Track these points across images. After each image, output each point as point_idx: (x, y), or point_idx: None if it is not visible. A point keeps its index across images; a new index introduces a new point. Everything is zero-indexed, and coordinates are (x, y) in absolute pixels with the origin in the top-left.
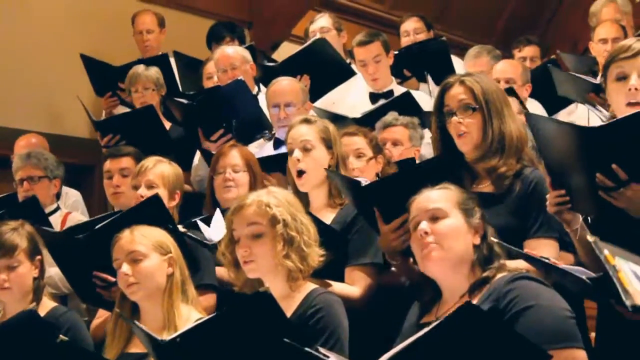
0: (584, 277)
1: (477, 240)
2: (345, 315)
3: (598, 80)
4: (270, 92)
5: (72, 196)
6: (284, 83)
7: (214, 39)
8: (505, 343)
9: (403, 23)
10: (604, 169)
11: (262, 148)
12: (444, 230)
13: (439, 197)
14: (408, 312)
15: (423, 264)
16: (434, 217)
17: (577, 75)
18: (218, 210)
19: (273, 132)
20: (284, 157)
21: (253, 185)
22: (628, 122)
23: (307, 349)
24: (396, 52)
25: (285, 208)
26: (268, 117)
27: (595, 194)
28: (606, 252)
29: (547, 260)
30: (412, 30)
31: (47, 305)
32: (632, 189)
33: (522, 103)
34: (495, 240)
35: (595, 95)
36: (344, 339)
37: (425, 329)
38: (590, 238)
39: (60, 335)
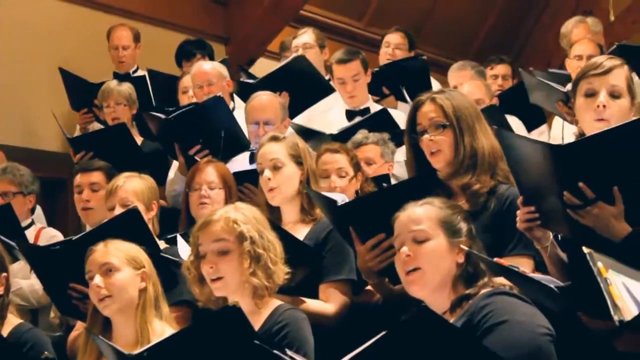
0: (552, 285)
1: (461, 259)
2: (310, 331)
3: (567, 88)
4: (250, 108)
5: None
6: (264, 99)
7: (184, 56)
8: (463, 352)
9: (388, 34)
10: (572, 186)
11: (236, 161)
12: (427, 254)
13: (423, 216)
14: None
15: (407, 287)
16: (417, 240)
17: (547, 82)
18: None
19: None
20: (248, 173)
21: (228, 202)
22: (594, 140)
23: (276, 351)
24: (376, 69)
25: (253, 225)
26: (246, 133)
27: (564, 211)
28: (600, 264)
29: (515, 269)
30: (394, 43)
31: (11, 322)
32: (599, 208)
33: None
34: (466, 248)
35: (564, 104)
36: (310, 355)
37: (381, 333)
38: (585, 250)
39: (45, 352)
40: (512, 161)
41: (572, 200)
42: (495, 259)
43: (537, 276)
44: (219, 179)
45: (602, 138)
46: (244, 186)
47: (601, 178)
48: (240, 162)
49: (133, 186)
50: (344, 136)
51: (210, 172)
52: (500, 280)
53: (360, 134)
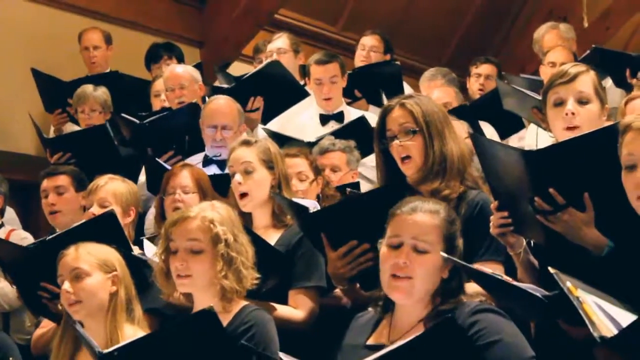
0: (538, 294)
1: (446, 274)
2: (276, 332)
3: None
4: (208, 112)
5: (7, 212)
6: (222, 103)
7: (152, 59)
8: None
9: (364, 37)
10: (543, 192)
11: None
12: (423, 267)
13: (430, 227)
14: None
15: (389, 290)
16: (418, 249)
17: (521, 90)
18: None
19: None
20: (221, 178)
21: None
22: (565, 146)
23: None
24: (350, 72)
25: (229, 227)
26: None
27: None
28: (569, 284)
29: (500, 277)
30: (369, 46)
31: None
32: (569, 214)
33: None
34: (445, 255)
35: (538, 111)
36: (276, 356)
37: (402, 341)
38: (551, 270)
39: (10, 358)
40: (486, 166)
41: (542, 206)
42: (476, 265)
43: (522, 285)
44: (193, 183)
45: (573, 144)
46: None
47: (572, 184)
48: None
49: (114, 188)
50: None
51: (184, 177)
52: (472, 291)
53: (327, 140)
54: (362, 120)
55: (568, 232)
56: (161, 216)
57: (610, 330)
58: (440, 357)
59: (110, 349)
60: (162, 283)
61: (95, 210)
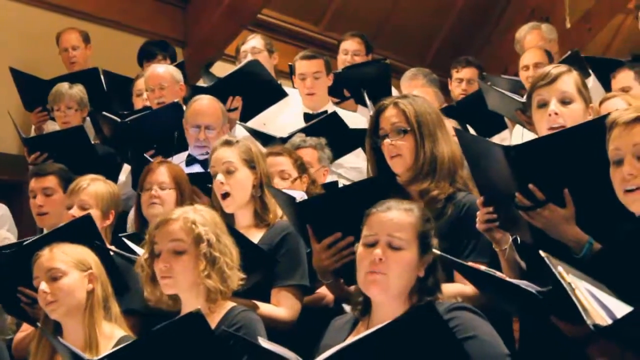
0: (533, 290)
1: (422, 273)
2: (265, 333)
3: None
4: (191, 111)
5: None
6: (205, 103)
7: (145, 57)
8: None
9: (345, 41)
10: (525, 188)
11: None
12: (398, 263)
13: (405, 223)
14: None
15: (365, 286)
16: (392, 246)
17: (505, 93)
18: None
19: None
20: (202, 175)
21: (180, 203)
22: (545, 142)
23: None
24: (338, 71)
25: (211, 228)
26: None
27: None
28: (560, 268)
29: (493, 273)
30: (352, 50)
31: None
32: (549, 210)
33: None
34: (438, 252)
35: (522, 113)
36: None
37: (379, 326)
38: (542, 254)
39: None
40: (471, 162)
41: (522, 202)
42: (470, 263)
43: (516, 281)
44: (170, 179)
45: (553, 140)
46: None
47: (553, 180)
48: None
49: (96, 190)
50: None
51: (161, 173)
52: (447, 292)
53: (298, 138)
54: (334, 115)
55: (548, 228)
56: (139, 212)
57: (604, 319)
58: (418, 343)
59: (99, 357)
60: (149, 289)
61: (76, 212)
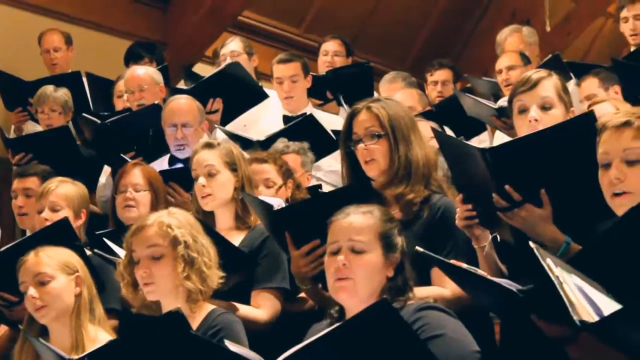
0: (513, 288)
1: (391, 273)
2: (245, 336)
3: (497, 105)
4: (167, 111)
5: None
6: (182, 102)
7: (132, 59)
8: (409, 353)
9: (325, 42)
10: (502, 189)
11: (154, 165)
12: (362, 267)
13: (364, 226)
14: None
15: (334, 292)
16: (354, 250)
17: (480, 101)
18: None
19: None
20: (181, 171)
21: (155, 205)
22: (521, 143)
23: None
24: (321, 74)
25: (187, 229)
26: None
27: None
28: (549, 261)
29: (475, 271)
30: (332, 51)
31: None
32: (526, 210)
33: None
34: (421, 250)
35: (497, 119)
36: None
37: (335, 325)
38: (532, 245)
39: None
40: (449, 163)
41: (500, 203)
42: (452, 261)
43: (497, 279)
44: (144, 181)
45: (527, 141)
46: (169, 185)
47: (529, 181)
48: (158, 166)
49: (64, 191)
50: (271, 142)
51: (135, 175)
52: (422, 294)
53: (281, 143)
54: (310, 118)
55: (526, 228)
56: (114, 214)
57: (590, 315)
58: (377, 341)
59: (81, 356)
60: (131, 295)
61: (47, 214)
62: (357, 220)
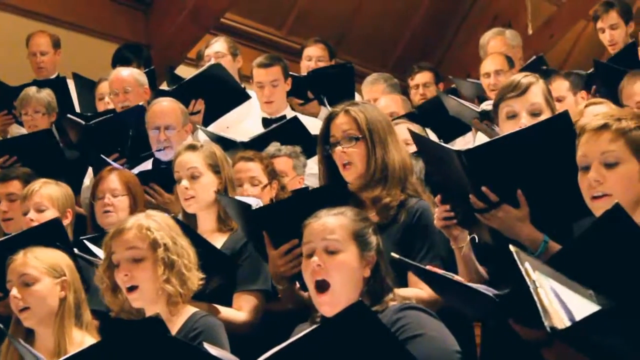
0: (490, 293)
1: (368, 273)
2: (226, 338)
3: (480, 108)
4: (150, 114)
5: None
6: (164, 105)
7: (120, 62)
8: (388, 354)
9: (308, 47)
10: (479, 190)
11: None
12: (337, 267)
13: (336, 226)
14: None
15: (317, 305)
16: (329, 250)
17: (463, 103)
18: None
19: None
20: (161, 172)
21: (133, 209)
22: (496, 144)
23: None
24: (303, 75)
25: (166, 232)
26: None
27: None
28: (527, 265)
29: (450, 277)
30: (315, 57)
31: None
32: (503, 210)
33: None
34: (397, 256)
35: (479, 121)
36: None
37: (312, 327)
38: (512, 248)
39: None
40: (427, 164)
41: (477, 204)
42: (428, 266)
43: (473, 284)
44: (122, 186)
45: (504, 142)
46: (149, 186)
47: (506, 181)
48: (143, 169)
49: (49, 191)
50: (255, 144)
51: (113, 180)
52: (404, 294)
53: (273, 147)
54: (295, 120)
55: (503, 228)
56: (92, 221)
57: (562, 321)
58: (353, 342)
59: None
60: (110, 300)
61: (33, 215)
62: (330, 221)
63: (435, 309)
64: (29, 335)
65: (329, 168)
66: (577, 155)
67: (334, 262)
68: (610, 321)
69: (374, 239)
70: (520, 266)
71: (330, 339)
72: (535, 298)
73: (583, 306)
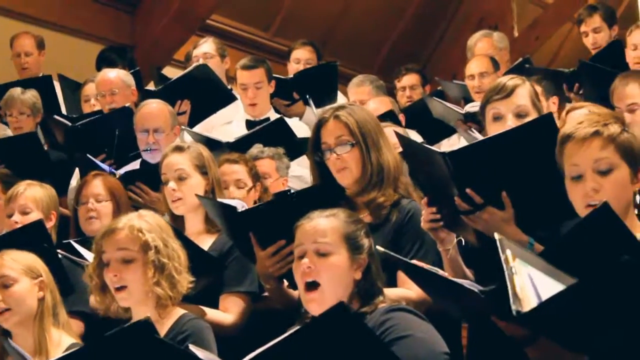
0: (475, 289)
1: (359, 275)
2: (214, 340)
3: (465, 110)
4: (139, 117)
5: None
6: (153, 107)
7: (104, 64)
8: (372, 356)
9: (296, 49)
10: (463, 192)
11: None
12: (328, 269)
13: (327, 229)
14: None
15: (305, 303)
16: (320, 253)
17: (447, 105)
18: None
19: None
20: (147, 172)
21: (117, 215)
22: (481, 146)
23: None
24: (288, 77)
25: (157, 234)
26: None
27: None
28: (509, 252)
29: (436, 272)
30: (304, 59)
31: None
32: (488, 212)
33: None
34: (382, 249)
35: (462, 123)
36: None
37: (294, 328)
38: (497, 236)
39: None
40: (414, 166)
41: (462, 206)
42: (414, 261)
43: (459, 280)
44: (106, 191)
45: (487, 144)
46: (136, 185)
47: (490, 183)
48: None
49: (33, 194)
50: (240, 145)
51: (96, 185)
52: (394, 296)
53: (256, 149)
54: (281, 121)
55: (488, 230)
56: (76, 226)
57: (530, 305)
58: (336, 344)
59: None
60: (99, 298)
61: (18, 218)
62: (321, 223)
63: (424, 309)
64: (6, 336)
65: (322, 174)
66: (566, 165)
67: (325, 264)
68: (573, 302)
69: (365, 242)
70: (501, 253)
71: (312, 340)
72: (509, 284)
73: (551, 289)
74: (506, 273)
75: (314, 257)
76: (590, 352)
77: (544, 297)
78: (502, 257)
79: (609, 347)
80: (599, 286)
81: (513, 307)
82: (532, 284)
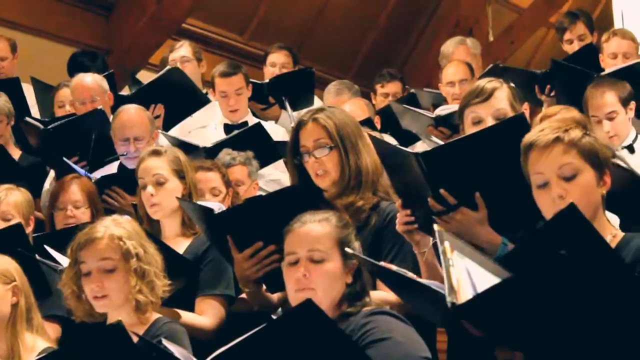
0: (442, 291)
1: (350, 279)
2: (189, 344)
3: (435, 113)
4: (119, 124)
5: None
6: (132, 113)
7: (76, 69)
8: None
9: (272, 53)
10: (437, 193)
11: (103, 172)
12: (323, 276)
13: (322, 235)
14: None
15: (294, 299)
16: (314, 259)
17: (415, 110)
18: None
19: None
20: (123, 175)
21: (94, 219)
22: (453, 147)
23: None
24: (266, 81)
25: (137, 240)
26: None
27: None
28: (447, 244)
29: (404, 274)
30: (279, 63)
31: None
32: (462, 213)
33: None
34: (350, 251)
35: (434, 128)
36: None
37: (263, 325)
38: (436, 227)
39: None
40: (388, 168)
41: (435, 207)
42: (382, 263)
43: (427, 282)
44: (84, 197)
45: (460, 144)
46: (112, 190)
47: (464, 184)
48: (107, 172)
49: (14, 199)
50: (217, 150)
51: (74, 191)
52: (379, 299)
53: (228, 155)
54: (258, 126)
55: (462, 231)
56: (52, 231)
57: (465, 297)
58: (303, 341)
59: None
60: (75, 305)
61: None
62: (315, 229)
63: (403, 312)
64: None
65: (301, 177)
66: (531, 173)
67: (319, 271)
68: (508, 295)
69: (356, 246)
70: (440, 245)
71: (279, 337)
72: (445, 276)
73: (488, 282)
74: (443, 265)
75: (308, 264)
76: (525, 350)
77: (480, 290)
78: (440, 249)
79: (544, 344)
80: (535, 281)
81: (448, 299)
82: (469, 276)
